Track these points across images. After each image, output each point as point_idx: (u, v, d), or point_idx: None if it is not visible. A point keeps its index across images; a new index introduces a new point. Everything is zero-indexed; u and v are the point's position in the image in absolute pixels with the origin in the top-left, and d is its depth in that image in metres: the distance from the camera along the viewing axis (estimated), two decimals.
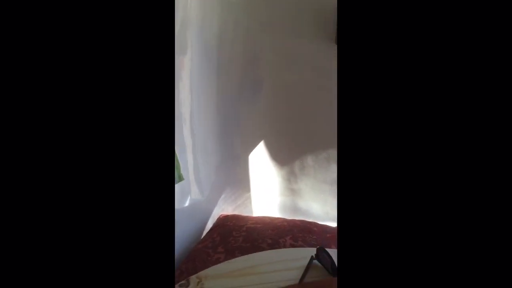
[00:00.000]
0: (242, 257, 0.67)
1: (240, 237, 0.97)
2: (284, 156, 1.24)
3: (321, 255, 0.60)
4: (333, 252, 0.60)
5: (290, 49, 1.09)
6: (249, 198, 1.24)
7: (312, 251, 0.62)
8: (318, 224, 1.08)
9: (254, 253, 0.70)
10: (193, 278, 0.61)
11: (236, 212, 1.25)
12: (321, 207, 1.27)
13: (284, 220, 1.10)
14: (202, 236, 1.06)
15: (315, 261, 0.62)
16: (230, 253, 0.90)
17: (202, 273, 0.62)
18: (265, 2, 1.04)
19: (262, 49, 1.10)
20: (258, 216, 1.19)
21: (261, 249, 0.89)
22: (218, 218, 1.13)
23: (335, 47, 1.00)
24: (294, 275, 0.59)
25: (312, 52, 1.07)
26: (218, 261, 0.88)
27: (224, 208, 1.23)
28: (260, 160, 1.24)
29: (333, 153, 1.18)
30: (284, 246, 0.90)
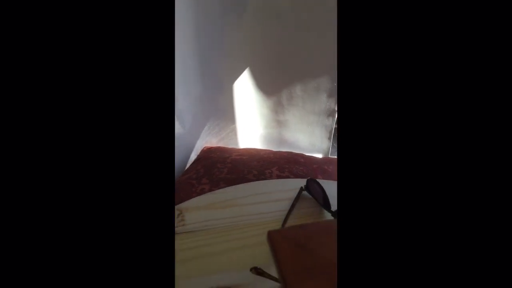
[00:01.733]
0: (225, 188, 0.64)
1: (225, 168, 0.94)
2: (271, 85, 1.15)
3: (312, 186, 0.57)
4: (323, 183, 0.57)
5: None
6: (234, 130, 1.19)
7: (302, 182, 0.59)
8: (305, 155, 1.06)
9: (238, 185, 0.67)
10: None
11: (221, 144, 1.21)
12: (308, 139, 1.24)
13: (270, 151, 1.07)
14: (186, 168, 1.03)
15: (305, 192, 0.59)
16: (215, 184, 0.87)
17: (182, 205, 0.58)
18: None
19: None
20: (244, 148, 1.15)
21: (247, 180, 0.87)
22: (201, 150, 1.09)
23: None
24: (282, 207, 0.57)
25: None
26: (202, 192, 0.86)
27: (208, 140, 1.18)
28: (245, 89, 1.15)
29: (323, 81, 1.11)
30: (271, 177, 0.88)
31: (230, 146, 1.20)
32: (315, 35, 1.02)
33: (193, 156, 1.09)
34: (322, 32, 1.01)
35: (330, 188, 0.58)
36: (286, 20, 1.01)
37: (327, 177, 0.91)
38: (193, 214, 0.57)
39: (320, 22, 0.99)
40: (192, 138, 1.14)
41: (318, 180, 0.59)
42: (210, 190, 0.86)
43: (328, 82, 1.11)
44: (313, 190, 0.57)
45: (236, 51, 1.07)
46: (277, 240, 0.32)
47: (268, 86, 1.15)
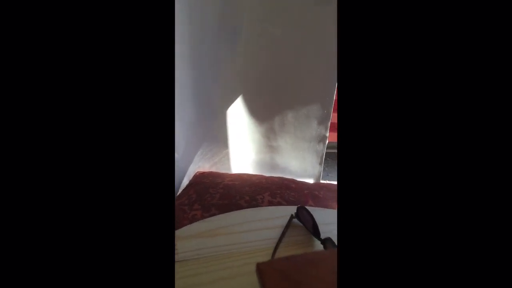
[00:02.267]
0: (217, 216, 0.64)
1: (217, 194, 0.94)
2: (263, 112, 1.18)
3: (302, 214, 0.58)
4: (313, 210, 0.59)
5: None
6: (227, 155, 1.20)
7: (292, 209, 0.61)
8: (296, 180, 1.07)
9: (229, 212, 0.68)
10: None
11: (213, 169, 1.22)
12: (300, 164, 1.26)
13: (262, 177, 1.08)
14: (178, 194, 1.03)
15: (295, 220, 0.60)
16: (207, 210, 0.88)
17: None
18: None
19: None
20: (236, 173, 1.16)
21: (239, 206, 0.88)
22: (194, 175, 1.10)
23: (320, 6, 0.91)
24: (273, 234, 0.57)
25: (297, 6, 0.97)
26: (194, 218, 0.86)
27: (200, 165, 1.19)
28: (238, 115, 1.18)
29: (313, 109, 1.14)
30: (262, 203, 0.89)
31: (223, 171, 1.21)
32: (306, 64, 1.07)
33: (185, 182, 1.10)
34: (313, 61, 1.06)
35: (320, 215, 0.59)
36: (278, 49, 1.05)
37: (318, 202, 0.92)
38: (185, 242, 0.57)
39: (311, 51, 1.04)
40: (185, 163, 1.15)
41: (308, 207, 0.61)
42: (202, 216, 0.86)
43: (318, 110, 1.15)
44: (303, 218, 0.58)
45: (230, 79, 1.11)
46: (265, 272, 0.33)
47: (260, 112, 1.18)
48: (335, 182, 2.01)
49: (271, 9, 0.99)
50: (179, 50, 0.97)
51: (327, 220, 0.58)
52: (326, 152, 1.25)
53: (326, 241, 0.52)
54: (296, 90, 1.12)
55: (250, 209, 0.70)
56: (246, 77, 1.11)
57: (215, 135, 1.19)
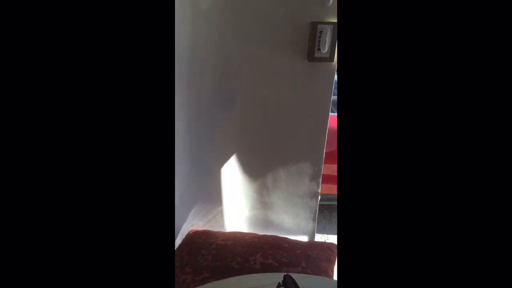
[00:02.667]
0: (205, 285, 0.65)
1: (209, 255, 0.94)
2: (257, 169, 1.22)
3: (288, 282, 0.59)
4: (300, 278, 0.60)
5: (264, 61, 1.08)
6: (220, 212, 1.22)
7: (279, 276, 0.62)
8: (289, 239, 1.07)
9: (217, 281, 0.69)
10: None
11: (207, 227, 1.22)
12: (293, 220, 1.27)
13: (255, 235, 1.09)
14: None
15: None
16: (198, 273, 0.87)
17: None
18: (239, 10, 1.02)
19: (236, 60, 1.08)
20: (229, 232, 1.16)
21: (230, 268, 0.87)
22: (187, 234, 1.10)
23: (308, 64, 1.01)
24: None
25: (286, 66, 1.07)
26: (185, 282, 0.85)
27: (194, 223, 1.20)
28: (232, 173, 1.22)
29: (305, 166, 1.19)
30: (254, 265, 0.88)
31: (216, 228, 1.21)
32: (297, 123, 1.13)
33: (178, 241, 1.10)
34: (303, 120, 1.13)
35: (307, 284, 0.59)
36: (270, 110, 1.13)
37: (310, 264, 0.92)
38: None
39: (301, 111, 1.12)
40: (179, 221, 1.16)
41: (296, 274, 0.62)
42: (193, 280, 0.85)
43: (309, 167, 1.19)
44: (289, 286, 0.59)
45: (225, 139, 1.17)
46: None
47: (253, 170, 1.22)
48: (332, 236, 1.98)
49: (265, 73, 1.08)
50: (179, 109, 1.04)
51: None
52: (322, 204, 1.27)
53: None
54: (287, 148, 1.18)
55: (239, 277, 0.71)
56: (240, 136, 1.17)
57: (210, 192, 1.22)
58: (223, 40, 1.04)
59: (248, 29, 1.03)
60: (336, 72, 1.07)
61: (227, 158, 1.20)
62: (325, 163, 1.19)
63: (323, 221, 2.12)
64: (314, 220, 1.28)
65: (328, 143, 1.15)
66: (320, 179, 1.22)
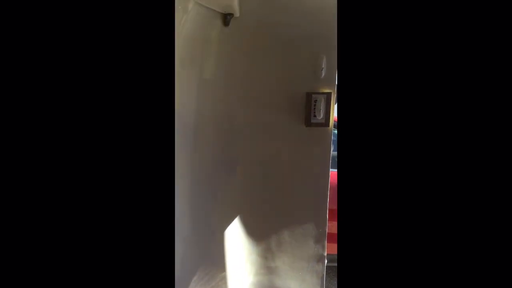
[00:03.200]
0: None
1: None
2: (260, 231, 1.21)
3: None
4: None
5: (265, 126, 1.16)
6: (224, 278, 1.18)
7: None
8: None
9: None
10: None
11: None
12: (300, 286, 1.21)
13: None
14: None
15: None
16: None
17: None
18: (240, 79, 1.12)
19: (239, 125, 1.15)
20: None
21: None
22: None
23: (306, 129, 1.08)
24: None
25: (286, 131, 1.14)
26: None
27: None
28: (235, 236, 1.21)
29: (307, 227, 1.18)
30: None
31: None
32: (299, 184, 1.16)
33: None
34: (305, 182, 1.15)
35: None
36: (272, 172, 1.16)
37: None
38: None
39: (302, 172, 1.15)
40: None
41: None
42: None
43: (313, 228, 1.18)
44: None
45: (227, 201, 1.19)
46: None
47: (257, 232, 1.21)
48: None
49: (266, 137, 1.14)
50: (183, 175, 1.08)
51: None
52: (328, 266, 1.22)
53: None
54: (291, 209, 1.18)
55: None
56: (243, 198, 1.19)
57: (212, 256, 1.20)
58: (226, 106, 1.13)
59: (250, 96, 1.13)
60: (333, 132, 1.14)
61: (230, 221, 1.21)
62: (328, 220, 1.18)
63: (331, 287, 1.99)
64: (321, 286, 1.21)
65: (331, 200, 1.16)
66: (325, 242, 1.20)
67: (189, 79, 1.06)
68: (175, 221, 1.03)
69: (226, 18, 1.03)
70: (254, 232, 1.21)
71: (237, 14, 1.03)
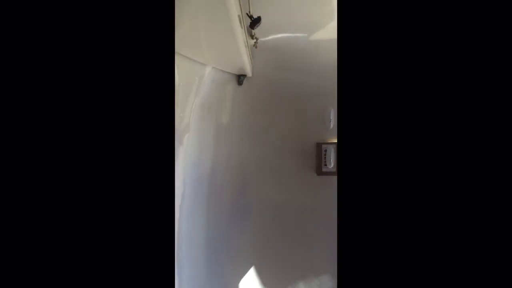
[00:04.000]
0: None
1: None
2: (276, 283, 1.19)
3: None
4: None
5: (279, 175, 1.20)
6: None
7: None
8: None
9: None
10: None
11: None
12: None
13: None
14: None
15: None
16: None
17: None
18: (253, 125, 1.19)
19: (252, 174, 1.20)
20: None
21: None
22: None
23: (317, 177, 1.12)
24: None
25: (299, 179, 1.17)
26: None
27: None
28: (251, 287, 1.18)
29: (324, 279, 1.15)
30: None
31: None
32: (312, 234, 1.16)
33: None
34: (319, 231, 1.15)
35: None
36: (287, 223, 1.17)
37: None
38: None
39: (312, 216, 1.15)
40: None
41: None
42: None
43: (329, 280, 1.15)
44: None
45: (242, 250, 1.19)
46: None
47: (273, 284, 1.18)
48: None
49: (280, 186, 1.18)
50: (198, 226, 1.10)
51: None
52: None
53: None
54: (305, 260, 1.17)
55: None
56: (257, 247, 1.19)
57: None
58: (240, 154, 1.19)
59: (264, 145, 1.19)
60: None
61: (244, 272, 1.19)
62: None
63: None
64: None
65: None
66: None
67: (207, 129, 1.14)
68: (192, 272, 1.04)
69: (240, 78, 1.14)
70: (270, 283, 1.18)
71: (249, 74, 1.14)
